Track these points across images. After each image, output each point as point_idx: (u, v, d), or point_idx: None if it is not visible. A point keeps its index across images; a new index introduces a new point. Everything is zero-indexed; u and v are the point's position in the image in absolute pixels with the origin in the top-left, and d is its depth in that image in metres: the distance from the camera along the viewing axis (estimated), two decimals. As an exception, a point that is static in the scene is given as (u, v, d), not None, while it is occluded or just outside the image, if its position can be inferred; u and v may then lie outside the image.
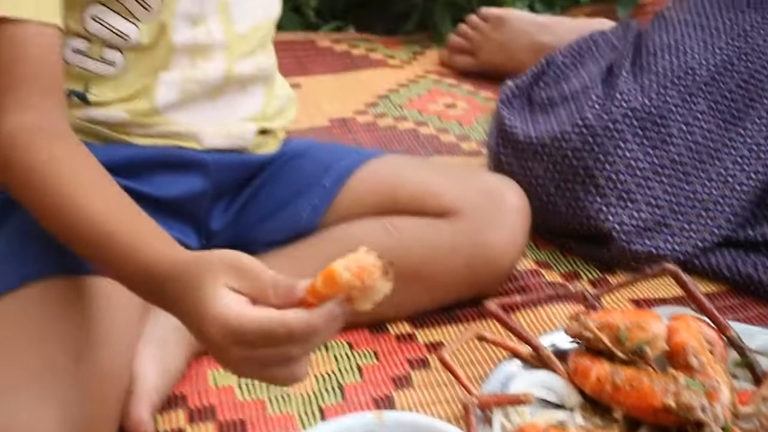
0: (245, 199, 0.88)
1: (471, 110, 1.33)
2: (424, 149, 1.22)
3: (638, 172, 0.92)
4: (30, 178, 0.65)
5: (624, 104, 0.93)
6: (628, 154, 0.92)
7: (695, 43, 0.99)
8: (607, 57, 1.05)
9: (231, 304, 0.55)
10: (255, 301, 0.56)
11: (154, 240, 0.63)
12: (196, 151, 0.82)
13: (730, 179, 0.94)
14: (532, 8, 1.61)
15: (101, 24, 0.75)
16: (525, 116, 1.02)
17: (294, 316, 0.54)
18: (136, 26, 0.76)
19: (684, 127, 0.94)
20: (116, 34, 0.76)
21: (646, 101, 0.93)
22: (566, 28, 1.39)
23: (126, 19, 0.76)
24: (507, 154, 1.00)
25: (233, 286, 0.56)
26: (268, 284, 0.56)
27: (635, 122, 0.93)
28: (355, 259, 0.55)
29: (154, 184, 0.80)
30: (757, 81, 0.97)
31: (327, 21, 1.61)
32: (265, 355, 0.55)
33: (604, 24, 1.40)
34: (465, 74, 1.45)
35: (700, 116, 0.95)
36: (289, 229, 0.87)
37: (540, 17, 1.45)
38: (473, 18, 1.46)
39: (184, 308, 0.58)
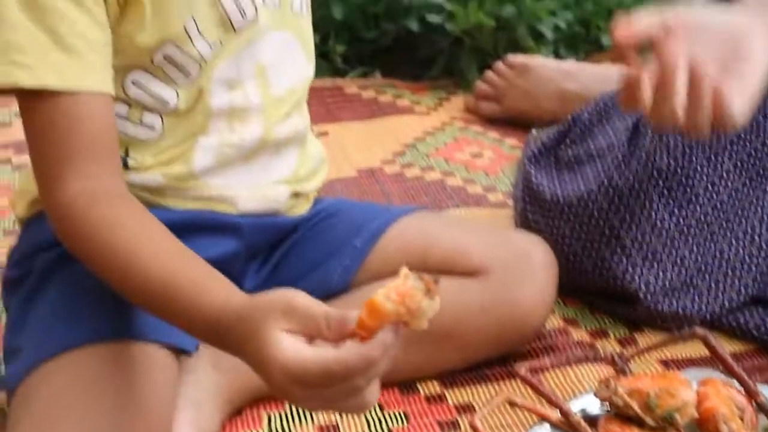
0: (277, 260, 0.89)
1: (497, 159, 1.35)
2: (451, 201, 1.23)
3: (664, 233, 0.93)
4: (93, 242, 0.68)
5: (650, 164, 0.94)
6: (653, 215, 0.93)
7: None
8: (632, 114, 1.06)
9: (288, 347, 0.57)
10: (311, 338, 0.58)
11: (216, 289, 0.65)
12: (230, 215, 0.83)
13: (756, 238, 0.95)
14: (556, 53, 1.63)
15: (142, 89, 0.77)
16: (552, 174, 1.03)
17: (349, 353, 0.56)
18: (175, 91, 0.77)
19: (710, 187, 0.94)
20: (156, 99, 0.77)
21: (672, 161, 0.94)
22: (590, 75, 1.41)
23: (166, 84, 0.77)
24: (534, 212, 1.01)
25: (288, 328, 0.58)
26: (320, 320, 0.58)
27: (661, 182, 0.94)
28: (395, 286, 0.56)
29: (189, 247, 0.82)
30: None
31: (354, 66, 1.63)
32: (328, 392, 0.57)
33: (628, 71, 1.41)
34: (491, 120, 1.47)
35: (725, 175, 0.95)
36: (321, 289, 0.88)
37: (564, 64, 1.47)
38: (499, 65, 1.47)
39: (247, 353, 0.60)
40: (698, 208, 0.94)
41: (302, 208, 0.90)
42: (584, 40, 1.67)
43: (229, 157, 0.81)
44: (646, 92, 0.72)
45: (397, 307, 0.55)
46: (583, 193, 0.97)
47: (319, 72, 1.58)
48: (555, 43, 1.62)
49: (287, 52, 0.84)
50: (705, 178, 0.95)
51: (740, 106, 0.73)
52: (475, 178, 1.29)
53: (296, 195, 0.88)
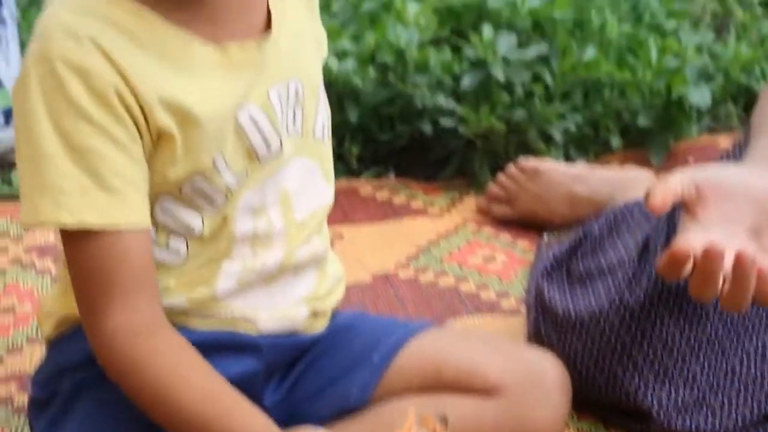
0: (296, 377, 0.91)
1: (510, 263, 1.36)
2: (465, 308, 1.24)
3: (675, 351, 0.94)
4: (133, 373, 0.72)
5: (660, 283, 0.96)
6: (664, 333, 0.95)
7: None
8: (642, 229, 1.08)
9: None
10: None
11: (247, 424, 0.69)
12: (250, 335, 0.85)
13: (767, 354, 0.96)
14: (566, 154, 1.65)
15: (169, 216, 0.79)
16: (564, 289, 1.05)
17: None
18: (201, 218, 0.79)
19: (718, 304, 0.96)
20: (182, 225, 0.79)
21: (682, 282, 0.96)
22: (599, 179, 1.44)
23: (192, 211, 0.79)
24: (547, 326, 1.03)
25: None
26: None
27: (671, 301, 0.95)
28: None
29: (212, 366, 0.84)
30: None
31: (368, 167, 1.65)
32: None
33: (636, 175, 1.44)
34: (503, 222, 1.49)
35: (734, 292, 0.97)
36: (340, 405, 0.90)
37: (574, 168, 1.49)
38: (510, 169, 1.50)
39: None
40: (709, 325, 0.95)
41: (320, 325, 0.92)
42: (593, 142, 1.69)
43: (251, 280, 0.83)
44: (696, 277, 0.77)
45: None
46: (595, 309, 0.99)
47: (335, 173, 1.61)
48: (565, 145, 1.65)
49: (309, 178, 0.86)
50: (715, 296, 0.96)
51: None
52: (489, 283, 1.31)
53: (315, 313, 0.90)
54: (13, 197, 1.51)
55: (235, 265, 0.82)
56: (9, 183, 1.54)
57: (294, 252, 0.85)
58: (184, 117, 0.74)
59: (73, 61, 0.69)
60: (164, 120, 0.73)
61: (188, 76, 0.74)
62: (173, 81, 0.73)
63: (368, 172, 1.64)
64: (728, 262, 0.76)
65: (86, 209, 0.70)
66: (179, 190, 0.77)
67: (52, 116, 0.69)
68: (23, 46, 1.80)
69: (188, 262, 0.81)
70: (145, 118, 0.72)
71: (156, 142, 0.74)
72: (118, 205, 0.71)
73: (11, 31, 1.69)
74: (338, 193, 1.55)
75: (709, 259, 0.76)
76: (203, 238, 0.80)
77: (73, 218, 0.70)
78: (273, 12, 0.80)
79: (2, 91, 1.66)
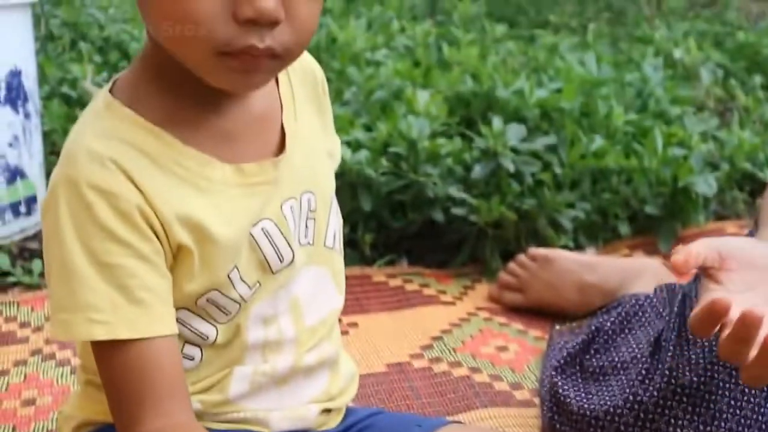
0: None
1: (522, 353, 1.36)
2: (479, 399, 1.23)
3: (690, 449, 0.95)
4: None
5: (674, 381, 0.97)
6: (678, 431, 0.95)
7: None
8: (654, 325, 1.09)
9: None
10: None
11: None
12: None
13: (780, 451, 0.97)
14: (576, 241, 1.68)
15: (184, 326, 0.80)
16: (578, 385, 1.06)
17: None
18: (215, 328, 0.80)
19: (732, 402, 0.97)
20: (197, 335, 0.80)
21: (695, 378, 0.97)
22: (609, 268, 1.45)
23: (207, 321, 0.80)
24: (562, 422, 1.04)
25: None
26: None
27: (685, 399, 0.96)
28: None
29: None
30: None
31: (381, 253, 1.67)
32: None
33: (645, 264, 1.46)
34: (514, 309, 1.50)
35: (747, 390, 0.97)
36: (356, 504, 0.90)
37: (584, 257, 1.51)
38: (522, 257, 1.52)
39: None
40: (723, 423, 0.96)
41: (333, 423, 0.92)
42: (602, 229, 1.72)
43: (263, 383, 0.84)
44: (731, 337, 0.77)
45: None
46: (609, 407, 1.00)
47: (348, 261, 1.63)
48: (574, 232, 1.67)
49: (320, 286, 0.86)
50: (728, 393, 0.97)
51: None
52: (501, 373, 1.31)
53: (327, 411, 0.90)
54: (34, 287, 1.53)
55: (247, 369, 0.83)
56: (30, 272, 1.56)
57: (304, 356, 0.85)
58: (201, 235, 0.75)
59: (98, 183, 0.71)
60: (182, 236, 0.74)
61: (206, 195, 0.76)
62: (191, 200, 0.75)
63: (381, 259, 1.67)
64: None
65: (118, 324, 0.71)
66: (195, 302, 0.79)
67: (81, 236, 0.71)
68: (44, 137, 1.84)
69: (202, 368, 0.82)
70: (166, 234, 0.74)
71: (176, 256, 0.76)
72: (147, 317, 0.72)
73: (35, 124, 1.73)
74: (352, 281, 1.57)
75: (749, 321, 0.76)
76: (217, 346, 0.81)
77: (106, 333, 0.72)
78: (287, 131, 0.81)
79: (25, 182, 1.70)
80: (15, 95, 1.66)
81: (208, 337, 0.80)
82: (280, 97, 0.82)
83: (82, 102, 2.19)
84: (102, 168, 0.72)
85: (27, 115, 1.70)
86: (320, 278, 0.86)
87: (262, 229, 0.79)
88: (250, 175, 0.78)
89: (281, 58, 0.72)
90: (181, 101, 0.76)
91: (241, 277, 0.78)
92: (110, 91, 0.77)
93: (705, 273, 0.85)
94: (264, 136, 0.80)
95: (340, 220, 0.89)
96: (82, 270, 0.71)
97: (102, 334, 0.72)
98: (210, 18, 0.68)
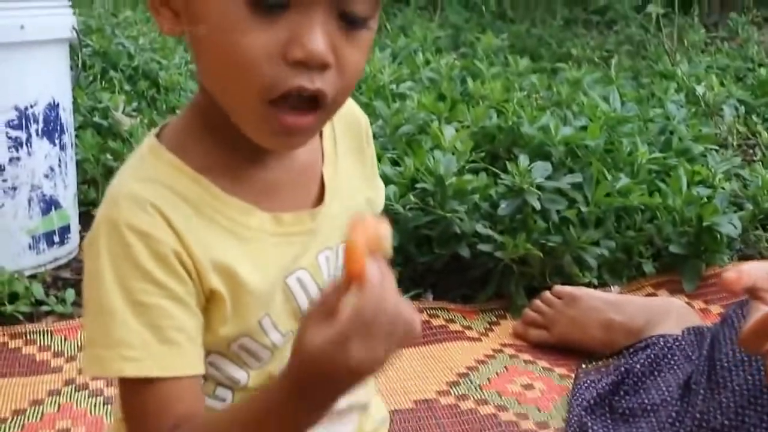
0: None
1: (548, 392, 1.36)
2: (506, 439, 1.24)
3: (721, 493, 0.95)
4: None
5: (704, 424, 0.97)
6: (710, 475, 0.96)
7: None
8: (683, 369, 1.09)
9: (316, 331, 0.62)
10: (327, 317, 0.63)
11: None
12: None
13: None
14: (600, 278, 1.68)
15: (217, 370, 0.80)
16: (608, 426, 1.06)
17: (359, 295, 0.61)
18: (247, 373, 0.80)
19: (760, 447, 0.97)
20: (229, 379, 0.80)
21: (726, 421, 0.97)
22: (635, 307, 1.46)
23: (239, 366, 0.80)
24: (592, 464, 1.04)
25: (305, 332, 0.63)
26: (318, 299, 0.65)
27: (714, 441, 0.97)
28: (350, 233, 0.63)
29: None
30: None
31: (407, 287, 1.68)
32: (375, 331, 0.61)
33: (670, 304, 1.46)
34: (539, 346, 1.50)
35: (777, 435, 0.98)
36: None
37: (610, 296, 1.52)
38: (547, 294, 1.53)
39: (304, 367, 0.65)
40: (753, 468, 0.96)
41: None
42: (626, 266, 1.72)
43: None
44: None
45: (363, 241, 0.62)
46: (639, 449, 1.00)
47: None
48: (599, 269, 1.68)
49: None
50: (758, 437, 0.97)
51: None
52: (528, 412, 1.30)
53: None
54: (68, 316, 1.55)
55: None
56: (63, 301, 1.58)
57: None
58: (234, 282, 0.75)
59: (137, 226, 0.72)
60: (216, 282, 0.74)
61: (243, 243, 0.76)
62: (228, 247, 0.75)
63: (407, 293, 1.66)
64: None
65: (148, 362, 0.72)
66: (227, 347, 0.78)
67: (118, 276, 0.72)
68: (77, 165, 1.86)
69: None
70: (200, 279, 0.74)
71: (209, 299, 0.76)
72: (177, 357, 0.73)
73: (70, 155, 1.75)
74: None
75: None
76: (248, 389, 0.81)
77: (137, 371, 0.72)
78: (327, 183, 0.81)
79: (59, 212, 1.72)
80: (52, 128, 1.69)
81: (240, 381, 0.81)
82: (322, 148, 0.83)
83: (113, 131, 2.22)
84: (142, 211, 0.73)
85: (63, 147, 1.72)
86: None
87: (297, 279, 0.79)
88: (288, 225, 0.78)
89: (326, 106, 0.71)
90: (225, 150, 0.76)
91: (273, 325, 0.78)
92: (157, 136, 0.79)
93: (754, 295, 0.85)
94: (304, 186, 0.81)
95: None
96: (117, 307, 0.72)
97: (132, 371, 0.72)
98: (260, 59, 0.68)
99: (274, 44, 0.67)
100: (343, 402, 0.82)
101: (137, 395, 0.74)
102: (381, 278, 0.62)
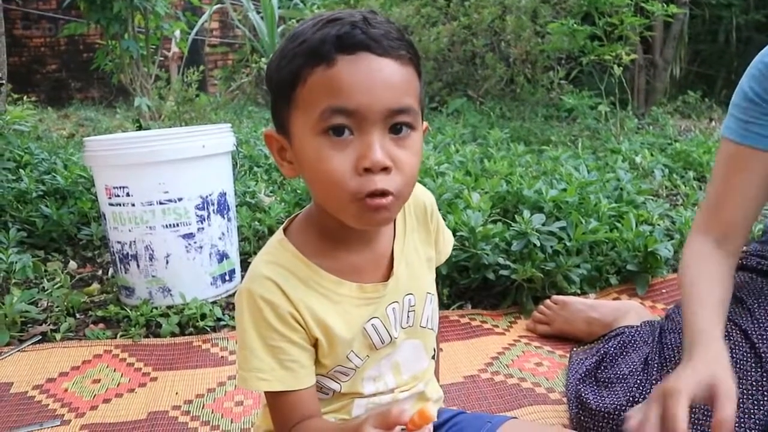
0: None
1: (552, 367, 1.35)
2: (526, 399, 1.22)
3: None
4: None
5: (660, 387, 0.95)
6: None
7: None
8: (642, 350, 1.08)
9: None
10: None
11: None
12: None
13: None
14: (581, 289, 1.67)
15: (319, 383, 0.79)
16: (594, 390, 1.05)
17: None
18: (340, 384, 0.79)
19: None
20: (327, 388, 0.79)
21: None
22: (607, 308, 1.44)
23: (335, 381, 0.79)
24: (585, 418, 1.03)
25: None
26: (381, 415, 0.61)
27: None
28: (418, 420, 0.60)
29: None
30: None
31: (454, 301, 1.69)
32: None
33: (631, 305, 1.44)
34: (544, 337, 1.49)
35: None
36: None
37: (589, 301, 1.50)
38: (547, 302, 1.52)
39: None
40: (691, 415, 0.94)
41: None
42: (598, 281, 1.71)
43: (371, 408, 0.81)
44: None
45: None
46: (616, 405, 0.99)
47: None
48: (580, 283, 1.66)
49: (416, 354, 0.82)
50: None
51: None
52: (540, 381, 1.29)
53: None
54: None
55: (362, 401, 0.80)
56: (233, 318, 1.61)
57: (399, 395, 0.82)
58: (330, 333, 0.74)
59: (266, 296, 0.72)
60: (317, 333, 0.74)
61: (335, 305, 0.74)
62: (325, 309, 0.74)
63: (454, 305, 1.67)
64: None
65: (274, 381, 0.73)
66: (327, 372, 0.78)
67: (255, 326, 0.73)
68: (237, 230, 1.91)
69: (334, 399, 0.80)
70: (307, 329, 0.74)
71: (314, 344, 0.75)
72: (293, 378, 0.73)
73: (233, 224, 1.81)
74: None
75: None
76: (342, 392, 0.80)
77: (268, 387, 0.73)
78: (396, 257, 0.78)
79: (228, 261, 1.76)
80: (222, 208, 1.74)
81: (334, 389, 0.80)
82: (395, 228, 0.80)
83: (258, 207, 2.29)
84: (268, 286, 0.72)
85: (229, 219, 1.77)
86: (416, 348, 0.82)
87: (372, 325, 0.77)
88: (368, 292, 0.76)
89: (396, 197, 0.68)
90: (327, 242, 0.75)
91: (356, 355, 0.77)
92: (284, 229, 0.78)
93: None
94: (379, 263, 0.78)
95: (436, 305, 0.83)
96: (254, 346, 0.73)
97: (265, 387, 0.73)
98: (343, 175, 0.66)
99: (350, 162, 0.66)
100: (405, 395, 0.82)
101: (274, 401, 0.76)
102: None
